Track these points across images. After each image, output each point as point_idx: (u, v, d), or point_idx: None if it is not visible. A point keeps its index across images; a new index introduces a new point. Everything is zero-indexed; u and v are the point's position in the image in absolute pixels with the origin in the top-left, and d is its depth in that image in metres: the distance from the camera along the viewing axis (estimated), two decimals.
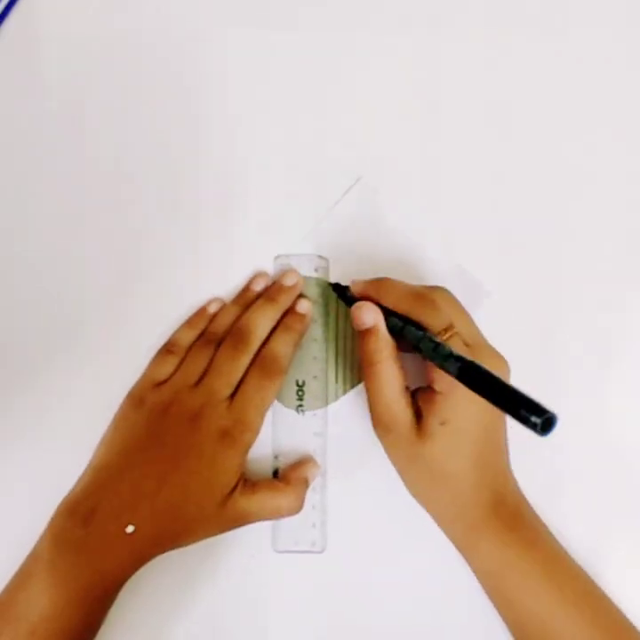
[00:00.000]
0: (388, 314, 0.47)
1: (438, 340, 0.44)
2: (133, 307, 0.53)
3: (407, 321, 0.46)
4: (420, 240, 0.53)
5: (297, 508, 0.50)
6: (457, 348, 0.44)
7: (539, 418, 0.36)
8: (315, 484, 0.51)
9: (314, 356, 0.52)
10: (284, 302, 0.51)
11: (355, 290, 0.50)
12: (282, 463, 0.52)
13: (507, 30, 0.54)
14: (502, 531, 0.47)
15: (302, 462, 0.51)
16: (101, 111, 0.53)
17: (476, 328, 0.48)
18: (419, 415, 0.47)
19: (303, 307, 0.51)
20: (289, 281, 0.52)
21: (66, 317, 0.53)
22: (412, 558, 0.52)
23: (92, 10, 0.54)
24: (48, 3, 0.54)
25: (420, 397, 0.47)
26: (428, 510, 0.49)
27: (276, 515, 0.49)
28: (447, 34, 0.54)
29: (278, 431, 0.52)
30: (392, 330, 0.47)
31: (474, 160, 0.54)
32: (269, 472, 0.52)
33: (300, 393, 0.52)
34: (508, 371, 0.47)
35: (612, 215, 0.54)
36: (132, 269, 0.53)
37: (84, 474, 0.49)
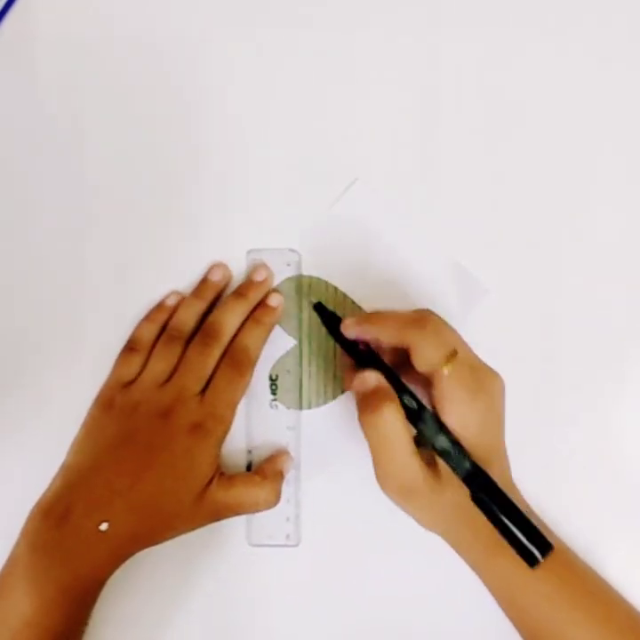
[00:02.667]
0: (401, 390, 0.45)
1: (452, 438, 0.43)
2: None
3: (421, 406, 0.45)
4: (418, 239, 0.53)
5: (274, 502, 0.50)
6: (462, 373, 0.44)
7: (542, 553, 0.37)
8: (288, 477, 0.51)
9: (287, 350, 0.52)
10: (253, 298, 0.51)
11: (347, 333, 0.47)
12: (255, 457, 0.52)
13: (507, 30, 0.53)
14: None
15: (276, 455, 0.52)
16: (100, 112, 0.54)
17: (467, 345, 0.47)
18: (429, 462, 0.45)
19: (275, 300, 0.51)
20: (259, 276, 0.52)
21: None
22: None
23: (91, 11, 0.54)
24: (45, 4, 0.54)
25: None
26: (446, 540, 0.48)
27: (253, 508, 0.49)
28: (447, 34, 0.53)
29: (251, 425, 0.52)
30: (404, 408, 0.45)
31: (473, 160, 0.53)
32: (243, 466, 0.52)
33: (273, 387, 0.52)
34: (502, 388, 0.46)
35: (612, 214, 0.53)
36: (124, 268, 0.54)
37: (55, 477, 0.49)
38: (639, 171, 0.53)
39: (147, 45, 0.54)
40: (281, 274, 0.52)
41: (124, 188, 0.54)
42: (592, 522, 0.52)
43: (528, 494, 0.50)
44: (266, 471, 0.50)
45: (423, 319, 0.45)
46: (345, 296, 0.53)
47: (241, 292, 0.51)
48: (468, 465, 0.42)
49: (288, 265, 0.53)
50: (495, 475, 0.45)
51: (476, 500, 0.41)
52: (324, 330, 0.51)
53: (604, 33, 0.53)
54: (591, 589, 0.49)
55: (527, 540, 0.38)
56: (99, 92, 0.54)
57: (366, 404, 0.44)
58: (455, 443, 0.43)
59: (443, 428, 0.44)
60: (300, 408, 0.53)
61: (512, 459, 0.49)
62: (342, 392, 0.53)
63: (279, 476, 0.51)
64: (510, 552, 0.46)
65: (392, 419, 0.43)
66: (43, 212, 0.53)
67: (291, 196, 0.53)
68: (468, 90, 0.53)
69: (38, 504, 0.48)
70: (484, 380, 0.45)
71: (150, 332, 0.52)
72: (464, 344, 0.46)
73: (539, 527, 0.40)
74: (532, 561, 0.38)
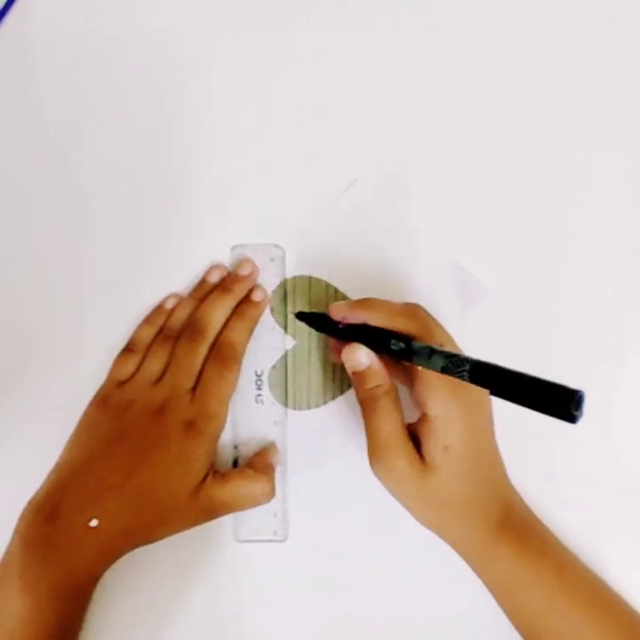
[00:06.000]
0: (387, 336, 0.45)
1: (446, 350, 0.42)
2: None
3: (408, 339, 0.45)
4: (418, 239, 0.53)
5: (271, 494, 0.50)
6: None
7: (570, 401, 0.34)
8: (275, 472, 0.51)
9: (272, 345, 0.53)
10: (238, 292, 0.51)
11: (335, 314, 0.48)
12: (242, 452, 0.52)
13: (507, 30, 0.54)
14: (514, 543, 0.47)
15: (265, 449, 0.52)
16: (99, 112, 0.54)
17: (455, 344, 0.48)
18: (417, 447, 0.46)
19: (258, 295, 0.52)
20: (244, 271, 0.52)
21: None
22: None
23: (90, 11, 0.54)
24: (44, 4, 0.54)
25: (416, 428, 0.46)
26: (442, 537, 0.48)
27: (251, 502, 0.49)
28: (447, 33, 0.54)
29: (237, 421, 0.52)
30: (394, 352, 0.45)
31: (473, 160, 0.54)
32: (229, 461, 0.52)
33: (258, 382, 0.52)
34: (488, 394, 0.47)
35: (612, 214, 0.54)
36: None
37: (49, 474, 0.49)
38: (638, 170, 0.54)
39: (146, 45, 0.54)
40: (265, 269, 0.53)
41: (120, 185, 0.54)
42: (591, 521, 0.52)
43: (528, 494, 0.50)
44: (257, 465, 0.50)
45: (413, 311, 0.46)
46: (345, 296, 0.53)
47: (226, 286, 0.51)
48: (468, 365, 0.40)
49: (272, 260, 0.53)
50: (485, 477, 0.47)
51: (495, 393, 0.39)
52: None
53: (605, 35, 0.54)
54: (592, 589, 0.49)
55: (553, 401, 0.35)
56: (98, 91, 0.54)
57: (365, 392, 0.46)
58: (449, 355, 0.42)
59: (434, 350, 0.43)
60: (286, 404, 0.53)
61: (512, 459, 0.50)
62: (333, 398, 0.53)
63: (271, 469, 0.51)
64: (506, 548, 0.47)
65: (389, 409, 0.46)
66: (41, 211, 0.53)
67: (282, 193, 0.54)
68: (469, 90, 0.54)
69: (30, 502, 0.48)
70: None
71: (148, 334, 0.52)
72: (452, 342, 0.47)
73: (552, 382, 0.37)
74: (570, 417, 0.35)
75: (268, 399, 0.52)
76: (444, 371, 0.42)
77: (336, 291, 0.53)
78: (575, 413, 0.34)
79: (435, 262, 0.53)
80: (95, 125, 0.54)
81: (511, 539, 0.47)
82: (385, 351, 0.46)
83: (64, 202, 0.53)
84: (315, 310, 0.52)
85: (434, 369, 0.42)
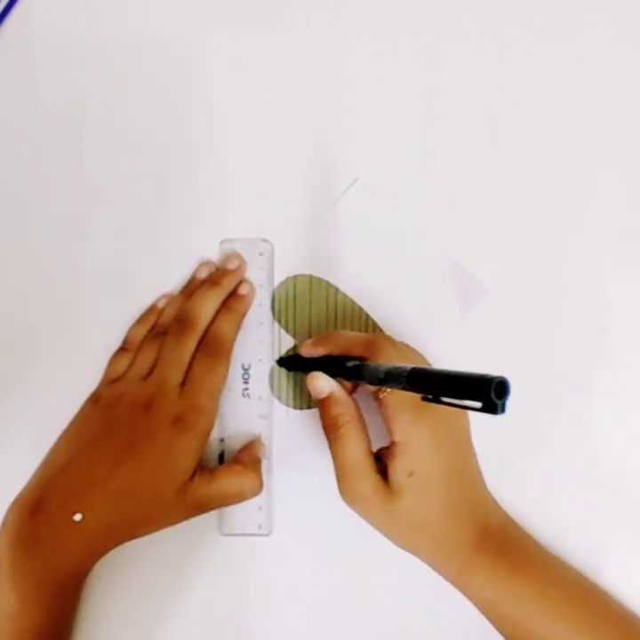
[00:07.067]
0: (343, 359, 0.47)
1: (389, 366, 0.42)
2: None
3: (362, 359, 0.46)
4: (418, 239, 0.53)
5: (259, 489, 0.49)
6: (407, 395, 0.43)
7: (490, 389, 0.33)
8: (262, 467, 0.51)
9: (260, 339, 0.53)
10: (226, 286, 0.51)
11: (305, 351, 0.49)
12: (228, 446, 0.52)
13: (507, 30, 0.54)
14: (492, 561, 0.47)
15: (252, 444, 0.52)
16: (99, 112, 0.54)
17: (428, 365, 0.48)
18: (384, 473, 0.46)
19: (245, 288, 0.52)
20: (231, 265, 0.52)
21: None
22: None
23: (90, 11, 0.54)
24: (45, 4, 0.54)
25: (383, 455, 0.47)
26: (417, 557, 0.48)
27: (239, 497, 0.49)
28: (447, 33, 0.54)
29: (224, 414, 0.52)
30: (351, 370, 0.46)
31: (473, 160, 0.54)
32: (215, 455, 0.52)
33: (245, 376, 0.52)
34: (464, 415, 0.48)
35: (611, 214, 0.54)
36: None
37: (35, 471, 0.49)
38: (638, 170, 0.54)
39: (146, 45, 0.54)
40: (253, 263, 0.53)
41: (121, 185, 0.54)
42: (588, 525, 0.52)
43: (523, 498, 0.51)
44: (245, 460, 0.50)
45: (373, 342, 0.47)
46: (345, 296, 0.53)
47: (215, 280, 0.52)
48: (405, 373, 0.39)
49: (260, 254, 0.53)
50: (456, 498, 0.46)
51: (426, 400, 0.39)
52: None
53: (605, 35, 0.54)
54: (579, 600, 0.49)
55: (478, 395, 0.34)
56: (98, 91, 0.54)
57: (330, 424, 0.47)
58: (390, 368, 0.41)
59: (378, 366, 0.43)
60: (272, 397, 0.53)
61: (510, 460, 0.50)
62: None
63: (258, 463, 0.51)
64: (484, 568, 0.47)
65: (352, 437, 0.46)
66: (40, 211, 0.54)
67: (283, 193, 0.54)
68: (469, 90, 0.54)
69: (16, 498, 0.48)
70: (435, 405, 0.45)
71: (141, 332, 0.53)
72: (420, 363, 0.47)
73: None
74: (493, 405, 0.34)
75: (255, 393, 0.53)
76: (387, 376, 0.41)
77: (336, 291, 0.53)
78: (497, 401, 0.33)
79: (435, 262, 0.53)
80: (95, 125, 0.54)
81: (489, 558, 0.47)
82: (342, 373, 0.46)
83: (63, 201, 0.54)
84: (294, 350, 0.53)
85: (378, 378, 0.42)
